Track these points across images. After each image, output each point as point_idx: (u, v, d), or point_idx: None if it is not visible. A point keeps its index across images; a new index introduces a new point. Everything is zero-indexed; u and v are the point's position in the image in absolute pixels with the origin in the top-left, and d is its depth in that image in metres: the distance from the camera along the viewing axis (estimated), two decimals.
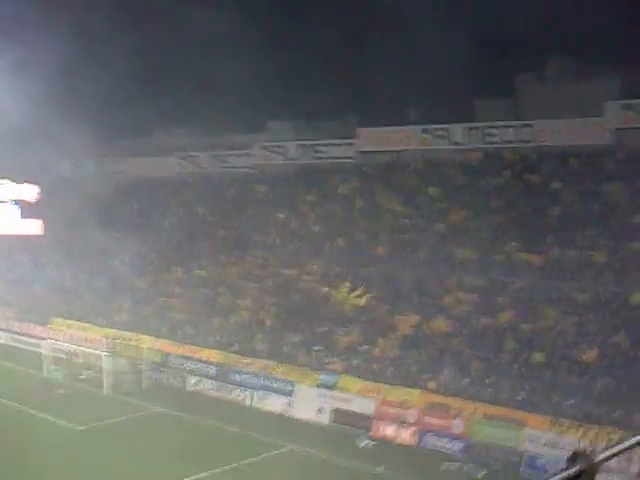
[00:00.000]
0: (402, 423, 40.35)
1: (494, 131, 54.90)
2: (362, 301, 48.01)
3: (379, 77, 63.98)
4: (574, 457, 4.08)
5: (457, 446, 38.28)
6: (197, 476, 36.06)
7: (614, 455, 4.21)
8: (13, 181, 66.95)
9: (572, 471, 4.03)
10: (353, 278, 50.49)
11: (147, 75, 70.15)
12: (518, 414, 37.83)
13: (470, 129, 55.86)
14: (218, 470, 36.83)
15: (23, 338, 60.91)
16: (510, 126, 54.30)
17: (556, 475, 3.98)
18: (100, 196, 74.34)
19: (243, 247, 58.79)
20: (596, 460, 4.09)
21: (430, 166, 56.87)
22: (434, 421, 39.80)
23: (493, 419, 38.33)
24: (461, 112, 58.31)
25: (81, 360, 54.05)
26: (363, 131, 60.92)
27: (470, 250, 48.23)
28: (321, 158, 62.73)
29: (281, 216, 59.92)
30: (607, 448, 4.20)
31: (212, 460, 37.75)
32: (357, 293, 48.65)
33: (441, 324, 44.29)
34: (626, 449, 4.27)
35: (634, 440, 4.33)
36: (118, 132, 76.29)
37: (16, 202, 67.16)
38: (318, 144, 63.15)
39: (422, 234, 51.62)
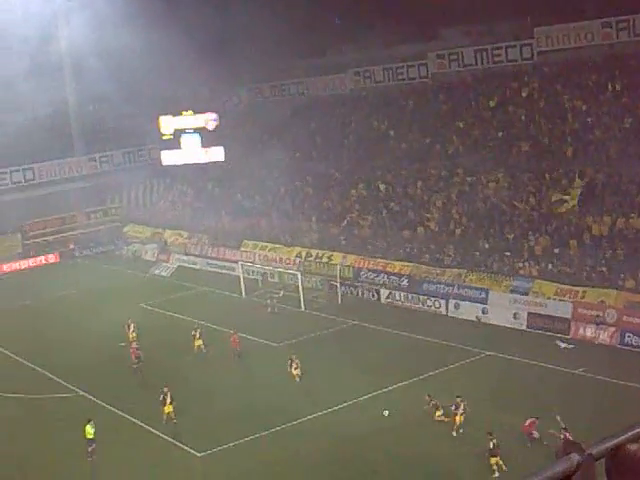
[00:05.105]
0: (601, 324, 39.82)
1: None
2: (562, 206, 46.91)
3: None
4: (566, 449, 3.56)
5: None
6: (399, 384, 36.96)
7: (613, 448, 3.60)
8: (195, 112, 68.96)
9: (565, 466, 3.50)
10: (540, 182, 49.61)
11: None
12: None
13: None
14: (418, 378, 37.56)
15: (218, 262, 63.16)
16: None
17: (549, 469, 3.48)
18: (279, 118, 75.37)
19: (425, 159, 58.55)
20: (593, 452, 3.55)
21: (613, 61, 54.72)
22: (634, 320, 39.07)
23: None
24: None
25: (276, 280, 55.67)
26: (540, 30, 59.00)
27: None
28: (499, 62, 61.31)
29: (462, 125, 59.22)
30: (604, 439, 3.63)
31: (412, 369, 38.52)
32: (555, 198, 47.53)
33: (636, 222, 43.07)
34: (628, 441, 3.60)
35: (634, 432, 3.63)
36: (291, 54, 76.88)
37: (197, 131, 69.21)
38: (495, 48, 61.63)
39: (609, 132, 50.01)
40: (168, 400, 34.87)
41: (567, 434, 27.33)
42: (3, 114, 70.35)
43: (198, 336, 43.94)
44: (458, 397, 32.39)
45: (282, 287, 53.65)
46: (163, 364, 42.82)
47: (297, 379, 38.34)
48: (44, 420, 37.52)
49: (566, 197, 47.28)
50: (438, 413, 32.95)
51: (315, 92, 75.84)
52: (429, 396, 33.51)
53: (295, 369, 38.47)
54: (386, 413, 33.48)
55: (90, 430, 32.82)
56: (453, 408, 32.23)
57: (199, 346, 43.77)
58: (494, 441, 28.69)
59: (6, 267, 69.68)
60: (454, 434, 31.76)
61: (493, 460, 28.66)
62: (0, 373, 42.61)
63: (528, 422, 30.17)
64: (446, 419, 32.65)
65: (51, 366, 44.30)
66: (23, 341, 49.30)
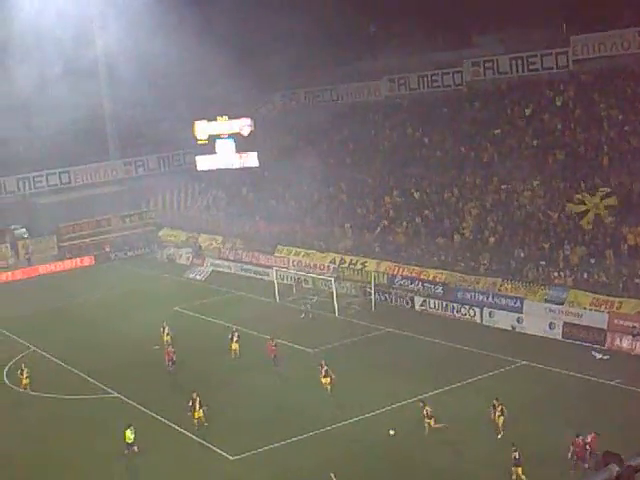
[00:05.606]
0: (637, 335, 39.59)
1: None
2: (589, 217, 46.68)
3: None
4: (606, 461, 3.67)
5: None
6: (433, 392, 36.83)
7: None
8: (230, 117, 69.42)
9: (605, 476, 3.59)
10: (575, 191, 49.43)
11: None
12: None
13: None
14: (453, 386, 37.58)
15: (252, 267, 63.35)
16: None
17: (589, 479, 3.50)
18: (313, 124, 75.57)
19: (460, 167, 58.46)
20: (633, 463, 3.66)
21: None
22: None
23: None
24: None
25: (310, 285, 55.77)
26: (576, 39, 58.86)
27: None
28: (534, 70, 61.20)
29: (496, 132, 59.13)
30: None
31: (447, 377, 38.53)
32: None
33: None
34: None
35: None
36: (326, 60, 77.12)
37: (232, 136, 69.62)
38: (530, 55, 61.53)
39: None
40: (197, 406, 35.24)
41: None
42: (40, 118, 71.12)
43: (235, 339, 44.13)
44: (495, 399, 32.46)
45: (316, 293, 53.78)
46: (197, 367, 43.22)
47: (328, 388, 37.76)
48: (80, 421, 38.02)
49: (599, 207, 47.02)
50: (431, 421, 32.74)
51: (350, 99, 76.07)
52: (423, 402, 33.46)
53: (324, 377, 37.86)
54: (392, 432, 33.08)
55: (130, 435, 33.31)
56: (491, 409, 32.29)
57: (235, 349, 43.99)
58: (518, 451, 28.65)
59: (42, 269, 70.38)
60: (499, 437, 31.81)
61: (519, 470, 28.62)
62: (37, 374, 43.01)
63: (590, 438, 29.01)
64: (438, 426, 32.62)
65: (86, 367, 44.87)
66: (59, 342, 49.95)
